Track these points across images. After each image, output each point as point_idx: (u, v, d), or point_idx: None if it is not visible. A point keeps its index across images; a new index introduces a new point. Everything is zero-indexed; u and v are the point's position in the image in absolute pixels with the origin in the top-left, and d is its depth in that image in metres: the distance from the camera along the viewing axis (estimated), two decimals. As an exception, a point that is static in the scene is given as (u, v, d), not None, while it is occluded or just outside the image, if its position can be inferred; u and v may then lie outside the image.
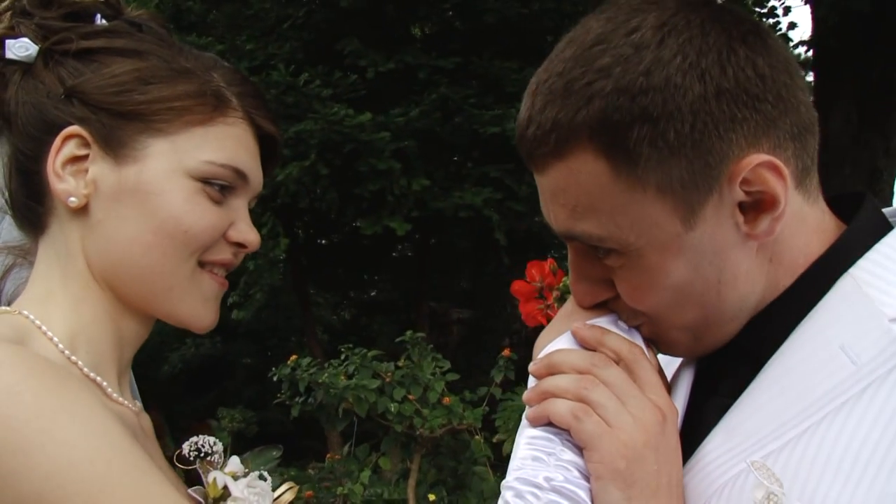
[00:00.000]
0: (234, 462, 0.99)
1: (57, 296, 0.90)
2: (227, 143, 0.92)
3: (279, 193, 6.28)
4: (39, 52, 0.90)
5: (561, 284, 1.51)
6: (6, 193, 0.96)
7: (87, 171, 0.89)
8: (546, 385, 0.84)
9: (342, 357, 4.73)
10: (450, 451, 4.56)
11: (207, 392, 10.84)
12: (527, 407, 0.87)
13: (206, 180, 0.90)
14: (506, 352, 4.70)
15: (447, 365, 4.72)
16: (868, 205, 0.87)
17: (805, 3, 8.74)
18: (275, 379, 4.61)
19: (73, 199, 0.88)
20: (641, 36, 0.76)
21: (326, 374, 4.33)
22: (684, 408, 0.91)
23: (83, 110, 0.88)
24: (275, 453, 5.59)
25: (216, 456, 1.04)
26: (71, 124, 0.88)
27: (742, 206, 0.78)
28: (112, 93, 0.88)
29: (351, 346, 4.80)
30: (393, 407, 4.23)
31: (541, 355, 0.89)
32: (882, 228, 0.84)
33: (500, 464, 4.43)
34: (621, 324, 0.89)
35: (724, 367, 0.90)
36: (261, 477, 1.01)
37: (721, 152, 0.76)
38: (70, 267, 0.90)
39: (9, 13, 0.92)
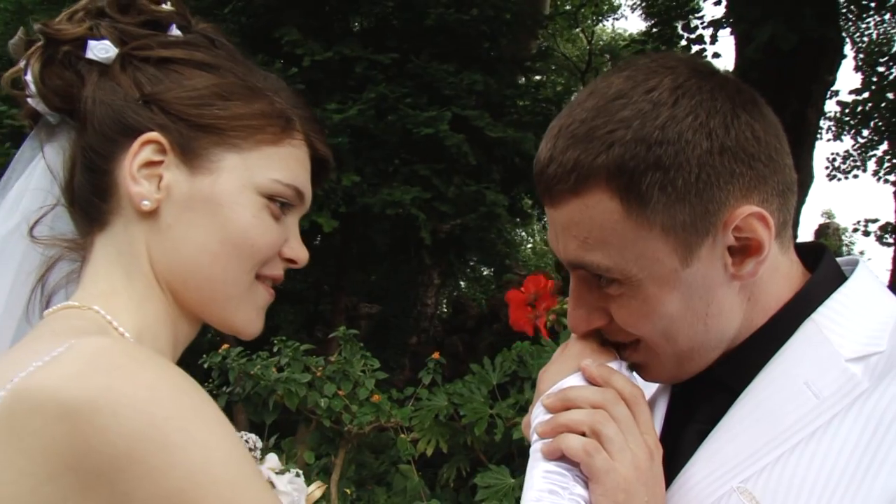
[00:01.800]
0: (273, 459, 1.06)
1: (121, 293, 0.91)
2: (291, 163, 0.96)
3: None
4: (118, 55, 0.92)
5: (558, 307, 1.65)
6: (61, 185, 0.96)
7: (160, 176, 0.91)
8: (563, 419, 0.92)
9: (274, 349, 4.76)
10: (372, 448, 4.67)
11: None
12: (534, 438, 0.95)
13: (271, 197, 0.94)
14: (435, 354, 4.82)
15: (377, 363, 4.81)
16: (827, 257, 0.99)
17: (731, 35, 9.21)
18: (206, 366, 4.61)
19: (146, 202, 0.90)
20: (659, 95, 0.86)
21: (258, 366, 4.37)
22: (660, 431, 1.01)
23: (163, 118, 0.91)
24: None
25: (256, 452, 1.16)
26: (150, 130, 0.90)
27: (731, 250, 0.89)
28: (192, 104, 0.92)
29: (284, 338, 4.82)
30: (323, 402, 4.30)
31: (553, 390, 0.96)
32: (838, 278, 0.96)
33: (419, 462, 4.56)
34: (624, 368, 0.98)
35: (700, 396, 1.00)
36: (296, 475, 1.07)
37: (719, 201, 0.87)
38: (134, 266, 0.92)
39: (83, 12, 0.94)
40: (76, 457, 0.69)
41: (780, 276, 0.96)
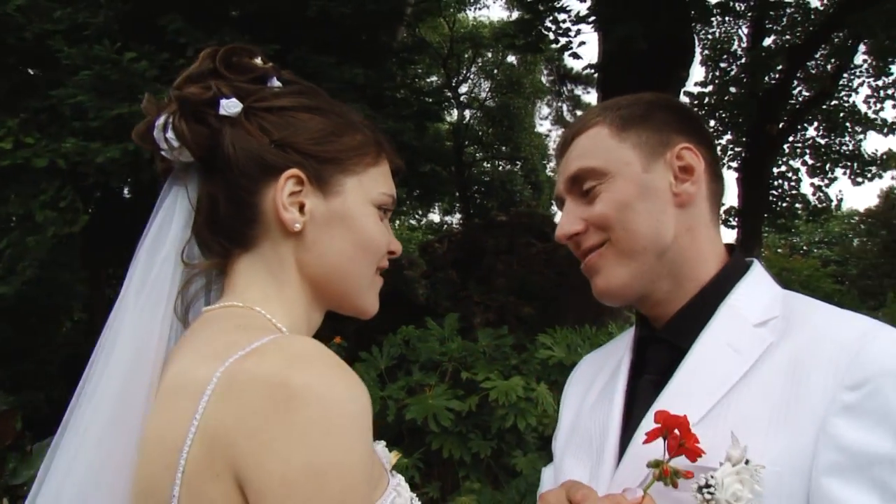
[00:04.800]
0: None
1: (273, 299, 1.09)
2: (387, 177, 1.20)
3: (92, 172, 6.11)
4: (242, 109, 1.09)
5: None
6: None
7: (301, 203, 1.10)
8: None
9: None
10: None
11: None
12: None
13: (380, 207, 1.17)
14: (336, 339, 5.10)
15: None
16: (736, 252, 1.34)
17: (595, 31, 9.85)
18: None
19: (297, 224, 1.09)
20: (639, 98, 1.34)
21: None
22: (625, 386, 1.31)
23: (296, 156, 1.10)
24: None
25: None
26: (289, 167, 1.09)
27: (674, 174, 1.27)
28: (316, 143, 1.11)
29: None
30: None
31: None
32: (743, 268, 1.30)
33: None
34: None
35: (650, 353, 1.31)
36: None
37: (669, 137, 1.29)
38: (284, 276, 1.10)
39: (202, 75, 1.11)
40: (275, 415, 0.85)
41: (710, 240, 1.31)
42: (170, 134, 1.08)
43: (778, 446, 1.05)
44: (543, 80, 23.91)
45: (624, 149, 1.27)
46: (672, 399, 1.17)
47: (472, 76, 22.80)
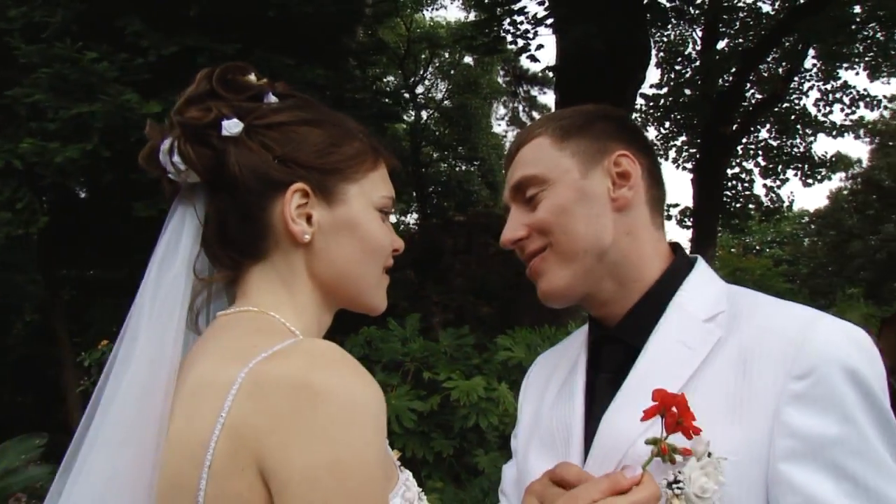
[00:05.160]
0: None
1: (286, 304, 1.14)
2: (386, 180, 1.25)
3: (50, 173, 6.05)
4: (244, 128, 1.12)
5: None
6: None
7: (308, 214, 1.14)
8: None
9: None
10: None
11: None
12: None
13: (381, 210, 1.22)
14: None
15: None
16: (680, 250, 1.39)
17: (553, 34, 9.98)
18: (86, 364, 4.59)
19: (306, 235, 1.14)
20: (579, 109, 1.42)
21: None
22: (584, 384, 1.36)
23: (300, 171, 1.14)
24: (38, 441, 5.46)
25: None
26: (294, 181, 1.13)
27: (612, 180, 1.32)
28: (317, 156, 1.15)
29: None
30: None
31: None
32: (688, 266, 1.35)
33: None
34: None
35: (605, 352, 1.36)
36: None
37: (608, 145, 1.34)
38: (295, 284, 1.15)
39: (201, 97, 1.14)
40: (314, 414, 0.90)
41: (652, 242, 1.36)
42: (176, 158, 1.11)
43: (736, 437, 1.11)
44: (500, 80, 24.03)
45: (563, 157, 1.34)
46: (629, 395, 1.23)
47: (429, 76, 22.84)
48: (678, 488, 1.06)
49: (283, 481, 0.89)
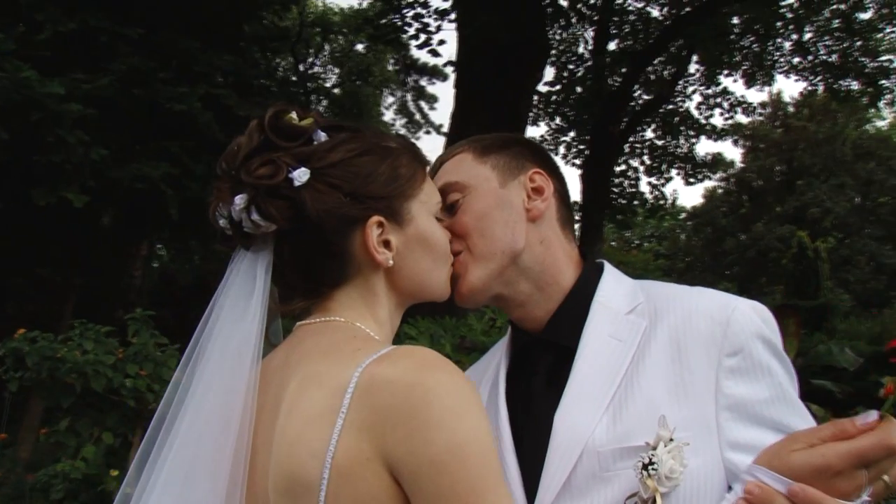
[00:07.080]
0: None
1: (368, 317, 1.24)
2: (432, 185, 1.35)
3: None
4: (310, 174, 1.19)
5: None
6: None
7: (385, 240, 1.23)
8: None
9: (76, 331, 4.84)
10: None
11: None
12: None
13: (435, 215, 1.33)
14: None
15: (166, 340, 5.05)
16: (589, 256, 1.49)
17: (456, 30, 10.19)
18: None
19: (390, 261, 1.23)
20: (498, 134, 1.54)
21: (66, 349, 4.45)
22: (504, 389, 1.42)
23: (371, 203, 1.21)
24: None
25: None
26: (370, 215, 1.21)
27: (527, 193, 1.43)
28: (381, 186, 1.23)
29: (84, 321, 4.91)
30: (128, 382, 4.52)
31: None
32: (598, 269, 1.46)
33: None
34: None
35: (535, 355, 1.42)
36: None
37: (524, 163, 1.45)
38: (375, 301, 1.25)
39: (264, 153, 1.19)
40: (400, 415, 1.00)
41: (565, 252, 1.46)
42: (255, 216, 1.18)
43: (683, 415, 1.22)
44: (390, 69, 24.14)
45: (484, 168, 1.44)
46: (576, 391, 1.31)
47: (319, 63, 22.72)
48: (653, 469, 1.16)
49: (413, 471, 0.99)
